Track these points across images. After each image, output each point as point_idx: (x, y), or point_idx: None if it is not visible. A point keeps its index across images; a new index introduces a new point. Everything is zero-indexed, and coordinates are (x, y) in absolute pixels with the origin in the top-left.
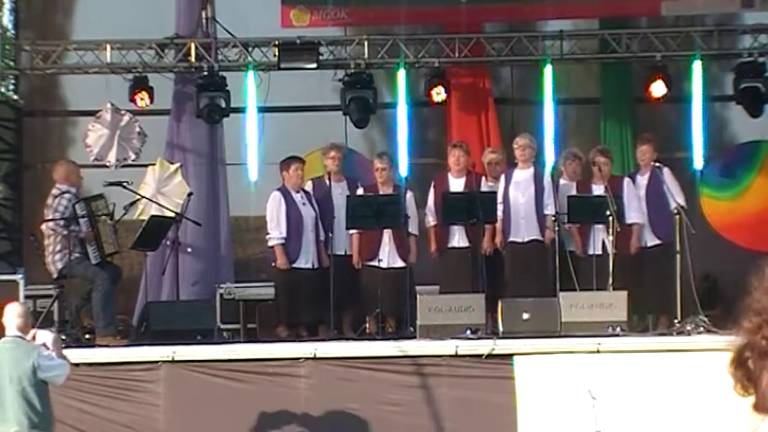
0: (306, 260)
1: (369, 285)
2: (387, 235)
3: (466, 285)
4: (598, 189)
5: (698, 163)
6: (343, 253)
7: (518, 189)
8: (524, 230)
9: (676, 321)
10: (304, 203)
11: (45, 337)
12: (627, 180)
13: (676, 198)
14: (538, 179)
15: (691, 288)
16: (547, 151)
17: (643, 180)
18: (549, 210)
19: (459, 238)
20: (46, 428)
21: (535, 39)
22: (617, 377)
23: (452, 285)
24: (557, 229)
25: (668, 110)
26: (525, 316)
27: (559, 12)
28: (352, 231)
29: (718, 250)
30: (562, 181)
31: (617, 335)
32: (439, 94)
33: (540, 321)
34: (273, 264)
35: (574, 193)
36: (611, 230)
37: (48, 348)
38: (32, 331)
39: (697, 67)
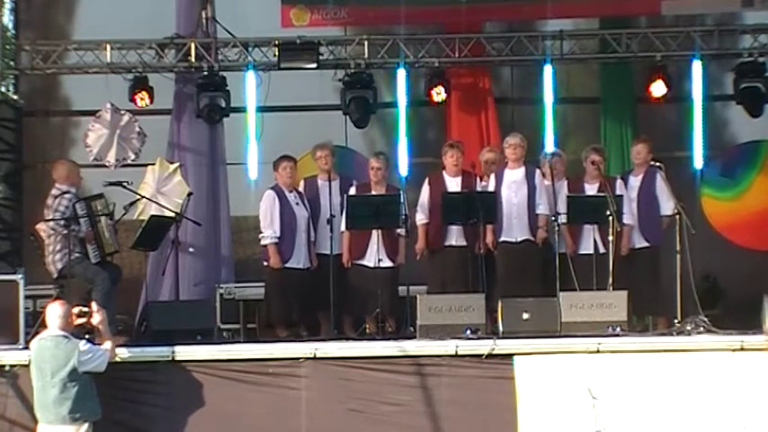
0: (298, 260)
1: (357, 285)
2: (375, 234)
3: (461, 284)
4: (591, 188)
5: (698, 163)
6: (334, 252)
7: (511, 189)
8: (517, 230)
9: (676, 321)
10: (297, 203)
11: (97, 311)
12: (619, 181)
13: (664, 205)
14: (530, 178)
15: (691, 288)
16: (546, 151)
17: (636, 181)
18: (542, 209)
19: (456, 237)
20: (87, 419)
21: (535, 39)
22: (617, 377)
23: (447, 284)
24: (556, 229)
25: (668, 110)
26: (525, 316)
27: (559, 11)
28: (344, 230)
29: (719, 250)
30: (546, 182)
31: (617, 335)
32: (439, 93)
33: (540, 321)
34: (266, 263)
35: (565, 191)
36: (611, 230)
37: (93, 324)
38: (77, 308)
39: (697, 67)
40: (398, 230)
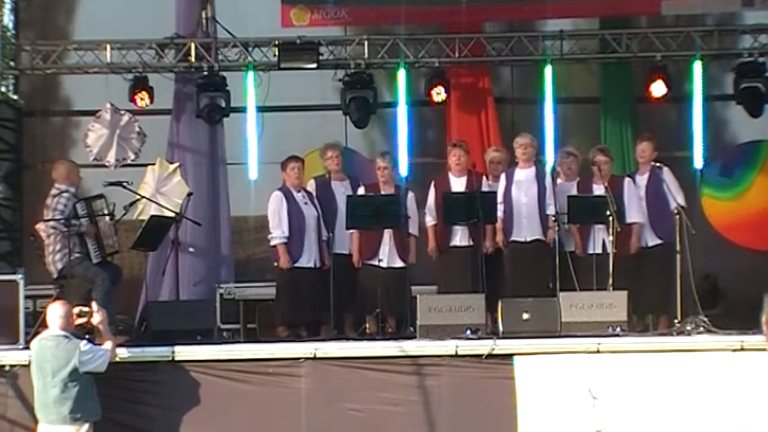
0: (308, 259)
1: (368, 285)
2: (387, 235)
3: (467, 284)
4: (599, 189)
5: (698, 163)
6: (345, 252)
7: (520, 189)
8: (527, 230)
9: (676, 321)
10: (306, 203)
11: (98, 311)
12: (627, 180)
13: (676, 197)
14: (540, 179)
15: (691, 288)
16: (547, 151)
17: (642, 180)
18: (551, 209)
19: (461, 237)
20: (88, 419)
21: (535, 39)
22: (617, 377)
23: (454, 284)
24: (557, 229)
25: (668, 110)
26: (525, 316)
27: (559, 11)
28: (350, 231)
29: (719, 250)
30: (560, 180)
31: (617, 335)
32: (439, 93)
33: (540, 321)
34: (276, 263)
35: (574, 192)
36: (611, 230)
37: (93, 324)
38: (77, 308)
39: (697, 67)
40: (410, 230)
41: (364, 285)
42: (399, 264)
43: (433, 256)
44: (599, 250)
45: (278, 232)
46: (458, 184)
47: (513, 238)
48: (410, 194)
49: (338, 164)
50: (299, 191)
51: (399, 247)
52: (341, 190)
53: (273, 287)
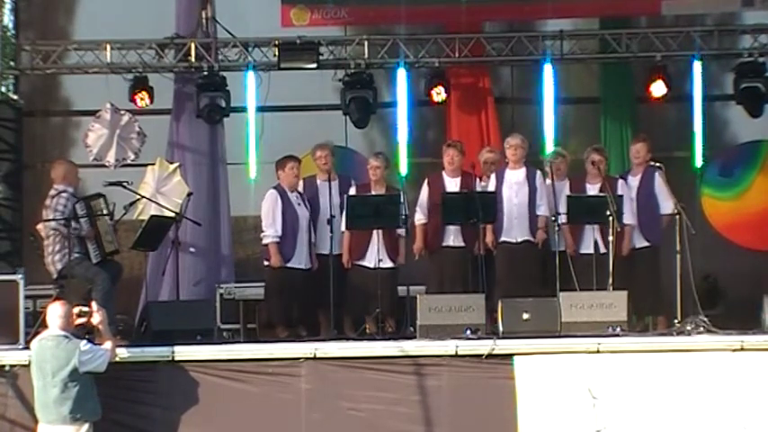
0: (299, 260)
1: (357, 285)
2: (376, 235)
3: (458, 285)
4: (592, 188)
5: (698, 163)
6: (334, 252)
7: (511, 189)
8: (517, 231)
9: (676, 321)
10: (299, 204)
11: (98, 311)
12: (621, 182)
13: (663, 204)
14: (531, 179)
15: (691, 288)
16: (547, 151)
17: (635, 181)
18: (542, 210)
19: (454, 238)
20: (88, 419)
21: (535, 39)
22: (617, 377)
23: (445, 284)
24: (556, 229)
25: (668, 110)
26: (525, 316)
27: (559, 11)
28: (344, 230)
29: (719, 250)
30: (548, 180)
31: (617, 335)
32: (439, 93)
33: (540, 321)
34: (266, 262)
35: (567, 191)
36: (611, 230)
37: (93, 324)
38: (77, 308)
39: (697, 67)
40: (399, 231)
41: (354, 286)
42: (389, 264)
43: (417, 255)
44: (590, 250)
45: (271, 231)
46: (452, 184)
47: (503, 239)
48: (402, 196)
49: (327, 163)
50: (293, 191)
51: (389, 248)
52: (326, 190)
53: (264, 286)
